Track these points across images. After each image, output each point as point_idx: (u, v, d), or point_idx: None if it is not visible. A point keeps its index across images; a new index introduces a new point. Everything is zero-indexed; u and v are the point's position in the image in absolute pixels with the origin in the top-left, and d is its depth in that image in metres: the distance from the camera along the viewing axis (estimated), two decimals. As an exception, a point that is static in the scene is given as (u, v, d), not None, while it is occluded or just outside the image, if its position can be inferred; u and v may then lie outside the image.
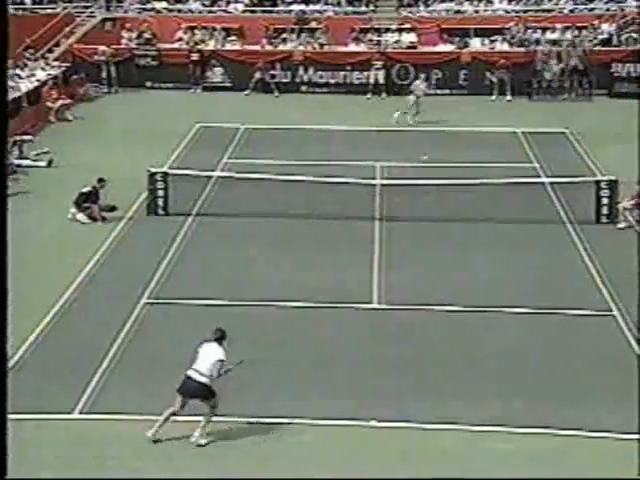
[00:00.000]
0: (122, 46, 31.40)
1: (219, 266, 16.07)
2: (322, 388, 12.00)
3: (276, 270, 15.81)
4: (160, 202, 18.50)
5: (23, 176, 20.90)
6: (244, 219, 18.15)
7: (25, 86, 26.08)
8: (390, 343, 13.23)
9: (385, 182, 19.64)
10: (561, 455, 10.54)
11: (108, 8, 33.09)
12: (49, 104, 26.60)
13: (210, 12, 33.33)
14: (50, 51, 30.55)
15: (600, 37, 30.54)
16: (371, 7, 32.88)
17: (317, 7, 33.15)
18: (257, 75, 29.98)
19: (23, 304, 13.06)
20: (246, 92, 29.94)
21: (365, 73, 29.91)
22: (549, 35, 31.03)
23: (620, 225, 17.91)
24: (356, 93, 29.66)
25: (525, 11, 32.37)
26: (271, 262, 16.17)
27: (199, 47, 30.99)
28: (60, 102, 26.95)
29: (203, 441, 10.72)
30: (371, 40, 31.36)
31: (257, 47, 31.37)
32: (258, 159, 22.01)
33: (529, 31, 31.22)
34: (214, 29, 32.07)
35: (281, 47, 31.38)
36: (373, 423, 11.13)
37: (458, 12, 32.79)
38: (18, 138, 22.13)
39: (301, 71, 30.35)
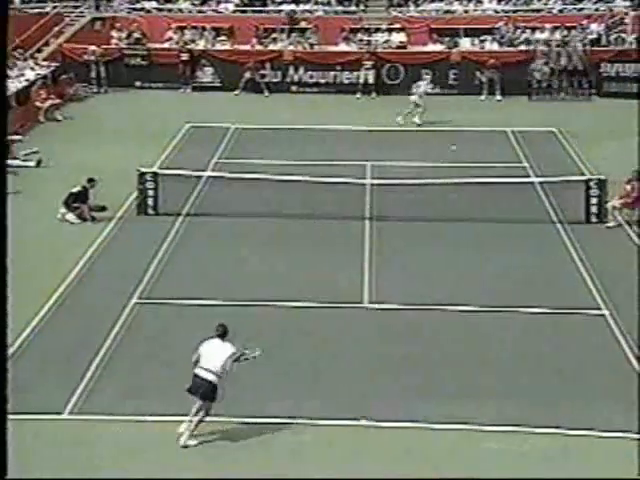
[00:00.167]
0: (112, 46, 31.33)
1: (209, 266, 16.06)
2: (318, 388, 12.01)
3: (267, 270, 15.80)
4: (150, 202, 18.47)
5: (12, 176, 20.77)
6: (234, 219, 18.14)
7: (14, 86, 25.98)
8: (384, 342, 13.26)
9: (376, 182, 19.67)
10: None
11: (97, 8, 33.02)
12: (38, 104, 26.53)
13: (200, 12, 33.31)
14: (39, 51, 30.45)
15: (589, 37, 30.65)
16: (361, 7, 32.91)
17: (307, 7, 33.16)
18: (247, 75, 29.96)
19: (12, 305, 12.98)
20: (236, 92, 29.92)
21: (355, 73, 29.92)
22: (538, 35, 31.12)
23: (609, 224, 17.98)
24: (346, 93, 29.68)
25: (514, 11, 32.46)
26: (262, 262, 16.15)
27: (189, 47, 30.95)
28: (49, 102, 26.88)
29: (192, 442, 10.68)
30: (361, 40, 31.39)
31: (247, 47, 31.35)
32: (248, 159, 21.99)
33: (518, 31, 31.32)
34: (204, 29, 32.04)
35: (271, 47, 31.36)
36: (363, 422, 11.15)
37: (448, 12, 32.85)
38: (7, 138, 22.05)
39: (291, 71, 30.34)
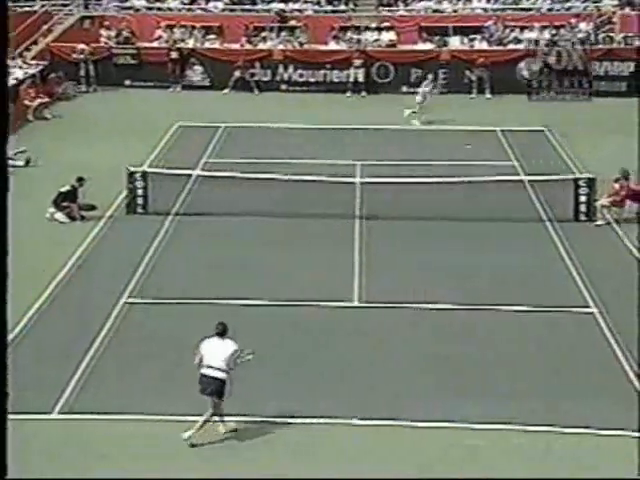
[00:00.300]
0: (101, 44, 31.22)
1: (199, 265, 16.03)
2: (312, 387, 12.02)
3: (257, 269, 15.80)
4: (140, 201, 18.45)
5: (1, 175, 20.75)
6: (224, 218, 18.12)
7: (3, 85, 25.87)
8: (374, 341, 13.29)
9: (365, 180, 19.68)
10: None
11: (86, 6, 32.89)
12: (27, 103, 26.44)
13: (189, 10, 33.23)
14: (28, 49, 30.33)
15: (578, 36, 30.71)
16: (351, 6, 32.90)
17: (297, 5, 33.13)
18: (237, 74, 29.92)
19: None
20: (225, 91, 29.87)
21: (345, 72, 29.92)
22: (527, 34, 31.19)
23: (598, 222, 18.05)
24: (336, 92, 29.66)
25: (503, 10, 32.52)
26: (252, 261, 16.15)
27: (178, 46, 30.86)
28: (38, 101, 26.80)
29: (196, 441, 10.63)
30: (351, 39, 31.38)
31: (237, 46, 31.29)
32: (238, 158, 21.97)
33: (507, 30, 31.38)
34: (193, 27, 31.97)
35: (261, 46, 31.31)
36: (354, 421, 11.16)
37: (437, 11, 32.88)
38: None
39: (281, 69, 30.31)
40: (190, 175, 19.78)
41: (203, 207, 18.57)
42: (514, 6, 32.75)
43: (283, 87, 30.28)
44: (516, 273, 15.67)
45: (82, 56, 30.12)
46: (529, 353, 13.06)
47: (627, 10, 31.71)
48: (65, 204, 18.17)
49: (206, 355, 10.64)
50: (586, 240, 17.24)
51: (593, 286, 15.08)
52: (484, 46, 30.90)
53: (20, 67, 28.19)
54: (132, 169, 18.71)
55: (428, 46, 31.04)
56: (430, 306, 14.37)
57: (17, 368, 12.28)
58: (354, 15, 32.44)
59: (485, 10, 32.75)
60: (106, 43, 31.38)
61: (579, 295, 14.85)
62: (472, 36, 31.31)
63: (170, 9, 33.29)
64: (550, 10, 32.51)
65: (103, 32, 31.78)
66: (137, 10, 33.11)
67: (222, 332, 10.74)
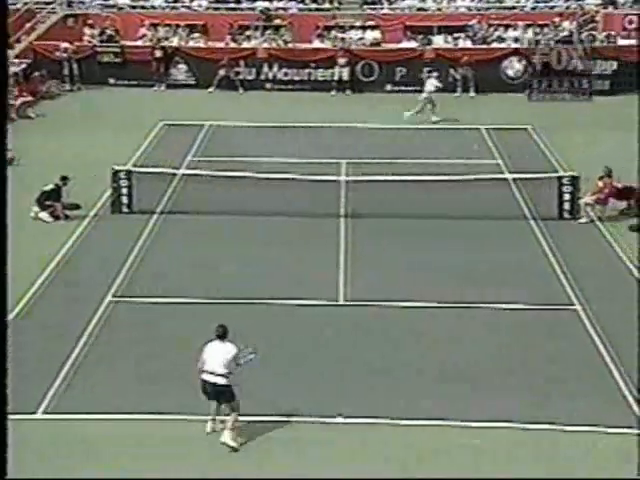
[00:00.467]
0: (84, 43, 31.10)
1: (184, 264, 16.01)
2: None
3: (242, 267, 15.79)
4: (124, 200, 18.41)
5: (-16, 174, 20.64)
6: (209, 217, 18.10)
7: (-15, 83, 25.75)
8: (360, 340, 13.32)
9: (351, 179, 19.71)
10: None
11: (70, 4, 32.73)
12: (10, 101, 26.28)
13: (173, 9, 33.13)
14: (10, 47, 30.12)
15: (561, 35, 30.83)
16: (335, 4, 32.88)
17: (281, 4, 33.11)
18: (221, 72, 29.87)
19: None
20: (210, 89, 29.82)
21: (329, 70, 29.94)
22: (511, 32, 31.31)
23: (582, 220, 18.15)
24: (321, 90, 29.67)
25: (487, 9, 32.62)
26: (237, 259, 16.14)
27: (162, 44, 30.77)
28: (21, 99, 26.67)
29: (232, 443, 10.58)
30: (335, 37, 31.39)
31: (221, 44, 31.24)
32: (223, 156, 21.94)
33: (491, 29, 31.48)
34: (177, 26, 31.88)
35: (245, 44, 31.28)
36: (339, 419, 11.19)
37: (421, 9, 32.94)
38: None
39: (265, 68, 30.28)
40: (175, 174, 19.76)
41: (188, 206, 18.55)
42: (498, 5, 32.84)
43: (268, 86, 30.26)
44: (500, 271, 15.74)
45: (66, 54, 29.99)
46: (512, 350, 13.10)
47: (610, 9, 31.89)
48: (49, 203, 18.10)
49: (207, 359, 10.61)
50: (570, 238, 17.33)
51: (577, 283, 15.17)
52: (468, 44, 31.00)
53: (3, 65, 28.02)
54: (117, 168, 18.66)
55: (413, 44, 31.11)
56: (415, 304, 14.40)
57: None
58: (339, 14, 32.44)
59: (469, 9, 32.84)
60: (90, 41, 31.26)
61: (563, 292, 14.94)
62: (456, 35, 31.39)
63: (154, 7, 33.17)
64: (534, 9, 32.63)
65: (87, 30, 31.65)
66: (121, 8, 32.99)
67: (222, 335, 10.68)
